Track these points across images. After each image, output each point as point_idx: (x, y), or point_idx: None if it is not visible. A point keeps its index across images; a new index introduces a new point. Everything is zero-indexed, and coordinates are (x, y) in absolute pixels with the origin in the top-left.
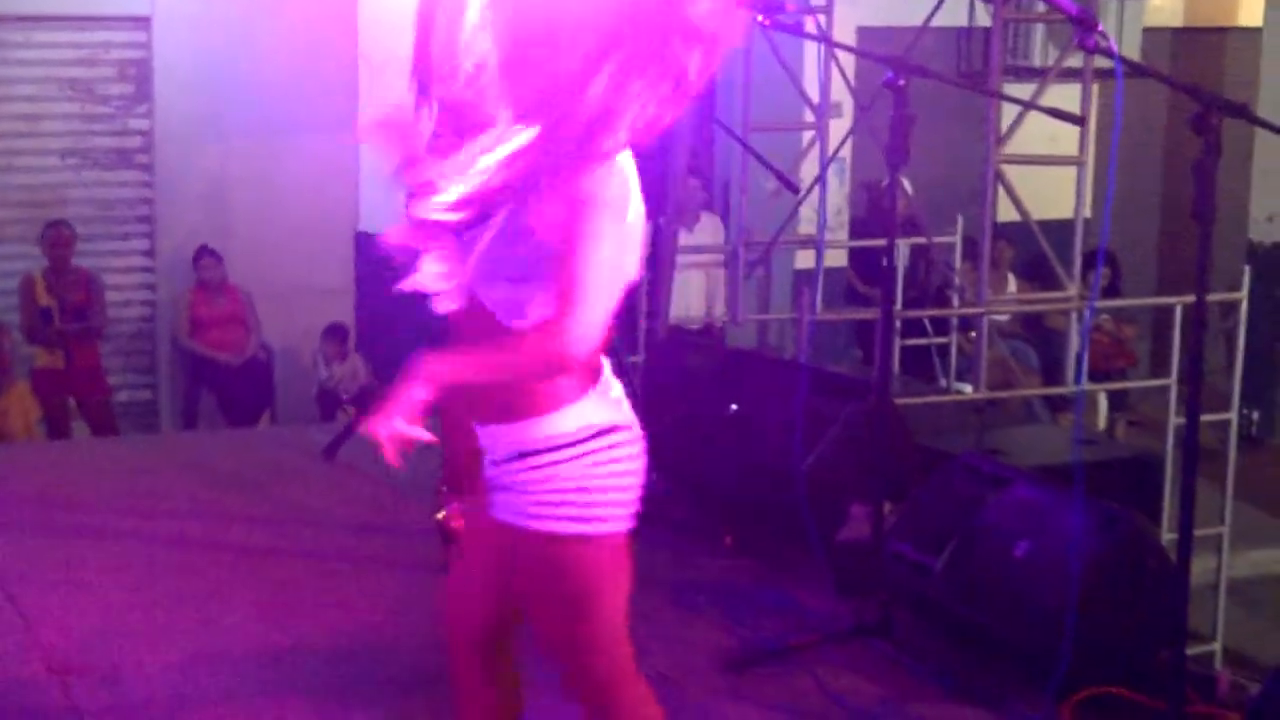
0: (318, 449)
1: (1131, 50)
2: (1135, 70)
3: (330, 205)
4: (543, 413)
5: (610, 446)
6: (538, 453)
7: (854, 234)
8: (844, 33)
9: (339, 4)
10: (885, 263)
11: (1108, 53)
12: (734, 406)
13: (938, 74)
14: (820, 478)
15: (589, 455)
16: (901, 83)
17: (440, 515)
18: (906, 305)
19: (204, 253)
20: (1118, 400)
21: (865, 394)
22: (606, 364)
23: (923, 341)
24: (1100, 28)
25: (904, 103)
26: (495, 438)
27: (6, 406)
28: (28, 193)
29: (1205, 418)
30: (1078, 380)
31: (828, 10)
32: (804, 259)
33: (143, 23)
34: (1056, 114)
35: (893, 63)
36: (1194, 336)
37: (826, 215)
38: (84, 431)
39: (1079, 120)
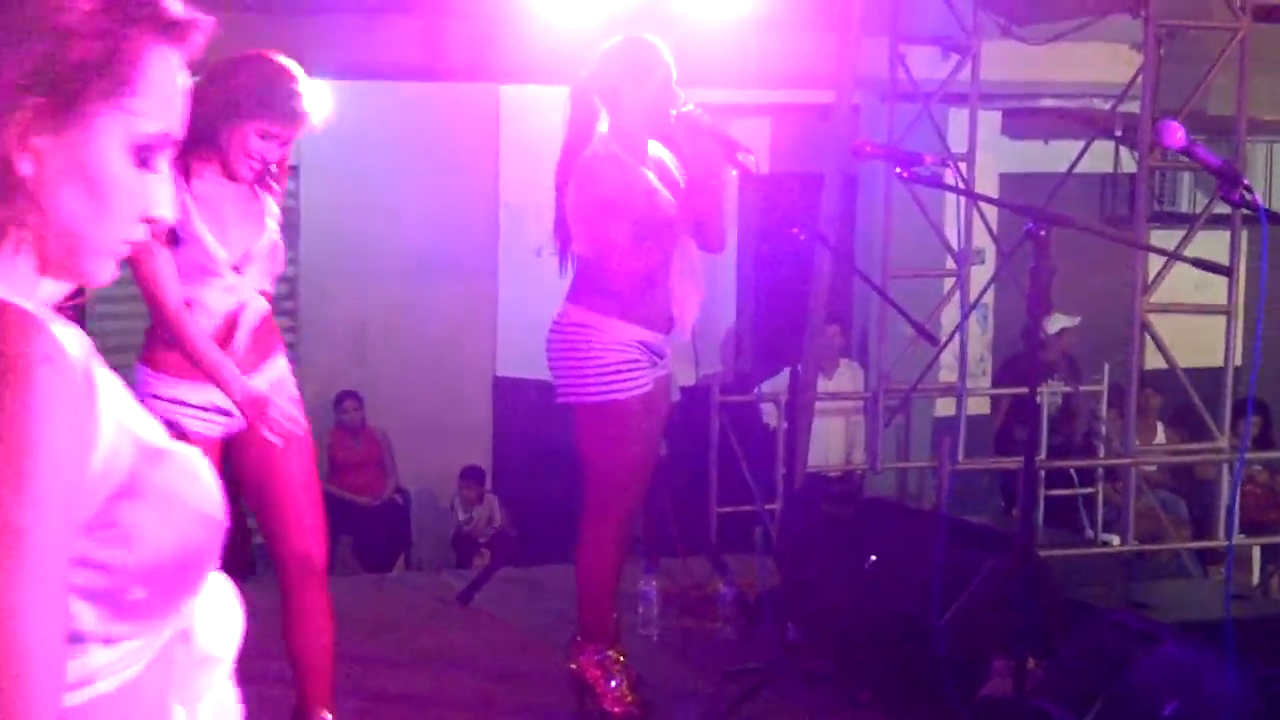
0: (453, 593)
1: None
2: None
3: (468, 348)
4: None
5: None
6: None
7: (1005, 375)
8: (986, 180)
9: (480, 151)
10: (1028, 411)
11: (1252, 206)
12: (873, 558)
13: (1079, 223)
14: (961, 632)
15: None
16: (1042, 233)
17: (574, 665)
18: (1052, 454)
19: (346, 396)
20: (1272, 554)
21: (1008, 546)
22: None
23: (1068, 492)
24: (1245, 181)
25: (1045, 253)
26: None
27: None
28: None
29: None
30: (1228, 534)
31: (969, 158)
32: (945, 406)
33: (291, 171)
34: (1202, 265)
35: (1032, 213)
36: None
37: (968, 362)
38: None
39: (1226, 271)
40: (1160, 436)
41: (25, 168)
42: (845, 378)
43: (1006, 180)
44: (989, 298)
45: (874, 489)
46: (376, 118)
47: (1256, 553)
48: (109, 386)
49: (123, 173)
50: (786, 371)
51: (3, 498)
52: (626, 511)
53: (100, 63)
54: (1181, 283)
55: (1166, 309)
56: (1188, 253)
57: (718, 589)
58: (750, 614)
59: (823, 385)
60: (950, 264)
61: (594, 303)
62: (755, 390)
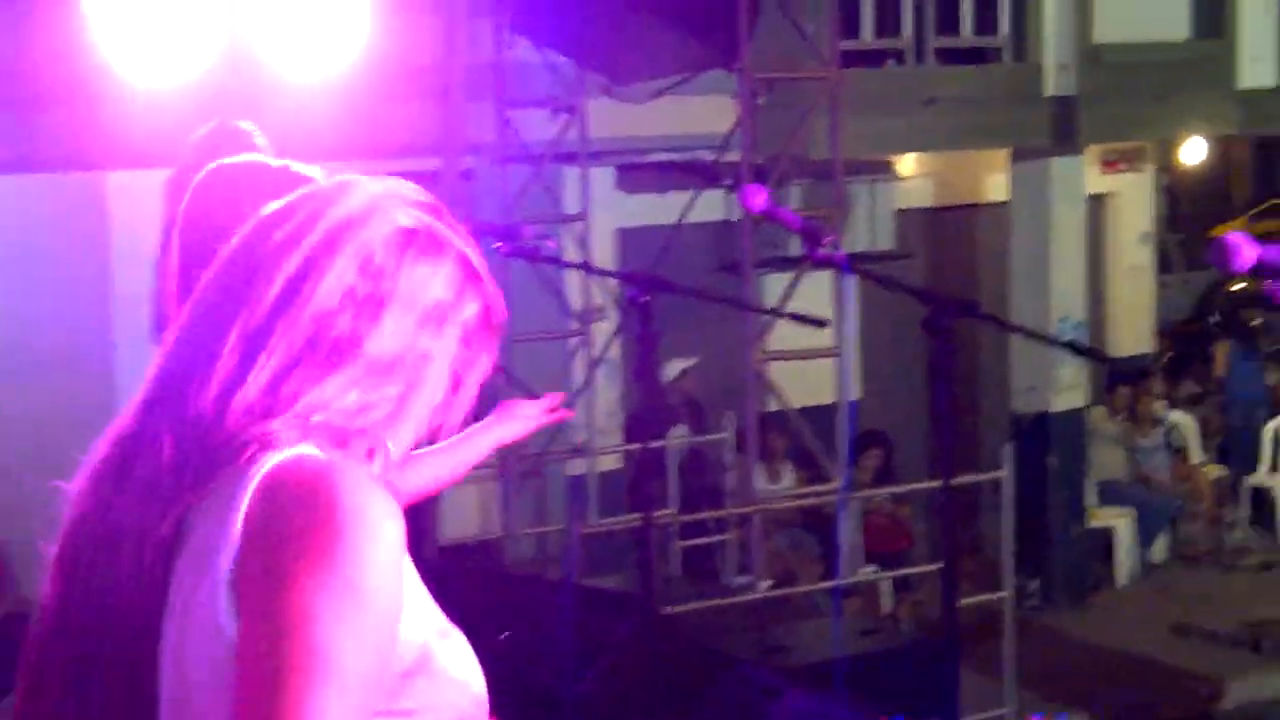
0: None
1: (885, 232)
2: (865, 275)
3: (82, 451)
4: None
5: None
6: None
7: (633, 430)
8: (604, 235)
9: (89, 241)
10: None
11: (836, 262)
12: (505, 634)
13: (682, 287)
14: (598, 700)
15: None
16: (645, 299)
17: None
18: (684, 502)
19: None
20: (901, 583)
21: (634, 609)
22: None
23: (701, 541)
24: (828, 239)
25: (649, 320)
26: None
27: None
28: None
29: (980, 597)
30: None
31: (583, 217)
32: (580, 464)
33: None
34: (800, 319)
35: (635, 279)
36: (943, 524)
37: (598, 418)
38: None
39: (821, 323)
40: (788, 477)
41: None
42: None
43: (624, 234)
44: (614, 351)
45: (514, 554)
46: None
47: (888, 585)
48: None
49: None
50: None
51: (335, 636)
52: None
53: None
54: (795, 328)
55: (779, 356)
56: (800, 291)
57: None
58: None
59: None
60: (573, 324)
61: None
62: None
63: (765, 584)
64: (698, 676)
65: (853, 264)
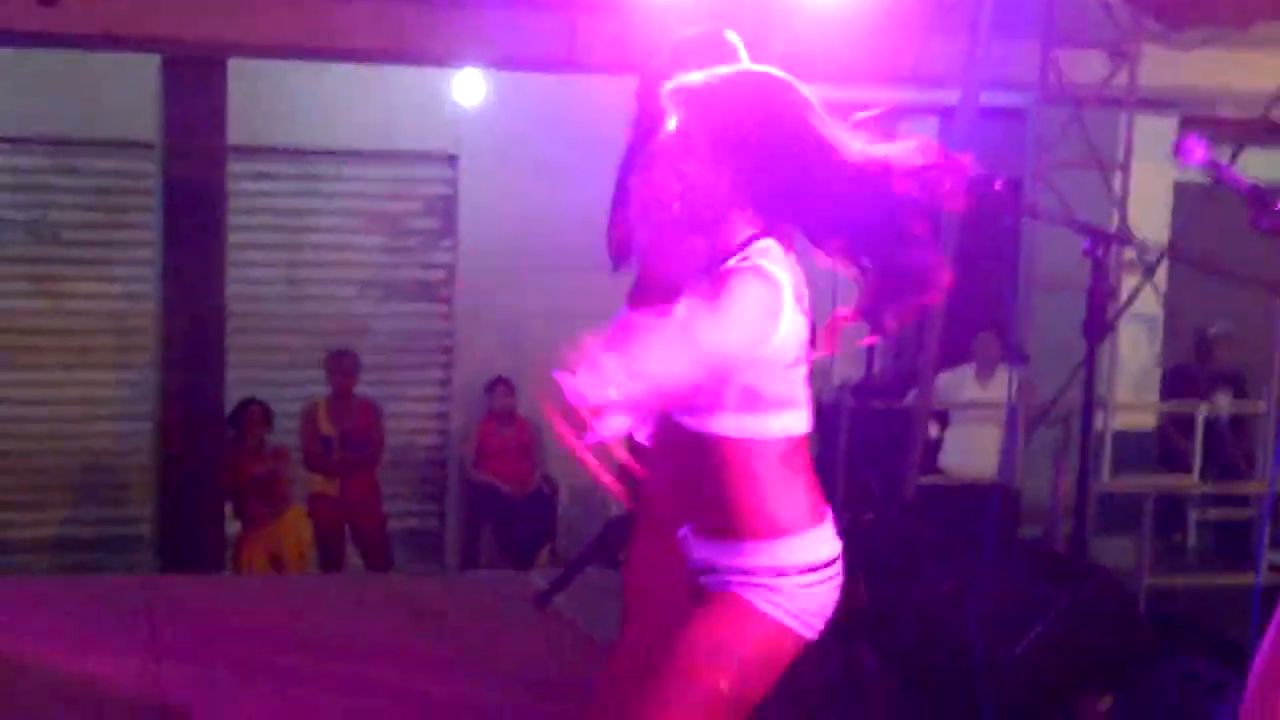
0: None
1: None
2: None
3: None
4: (766, 538)
5: (818, 582)
6: (749, 572)
7: (1168, 390)
8: (1158, 189)
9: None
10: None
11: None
12: (948, 585)
13: (1136, 242)
14: (1032, 667)
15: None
16: (1099, 253)
17: None
18: (1215, 473)
19: (499, 382)
20: None
21: (1087, 577)
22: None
23: (1233, 513)
24: (1277, 206)
25: (1102, 275)
26: (709, 551)
27: (281, 531)
28: (327, 321)
29: None
30: None
31: (1124, 167)
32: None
33: (450, 160)
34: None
35: (1092, 233)
36: None
37: (1124, 375)
38: (356, 558)
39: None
40: None
41: None
42: (1003, 385)
43: (1183, 190)
44: (1157, 308)
45: (1025, 506)
46: (534, 108)
47: None
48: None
49: None
50: (942, 376)
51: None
52: None
53: None
54: None
55: None
56: None
57: None
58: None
59: (980, 393)
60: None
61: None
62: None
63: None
64: (1142, 659)
65: None
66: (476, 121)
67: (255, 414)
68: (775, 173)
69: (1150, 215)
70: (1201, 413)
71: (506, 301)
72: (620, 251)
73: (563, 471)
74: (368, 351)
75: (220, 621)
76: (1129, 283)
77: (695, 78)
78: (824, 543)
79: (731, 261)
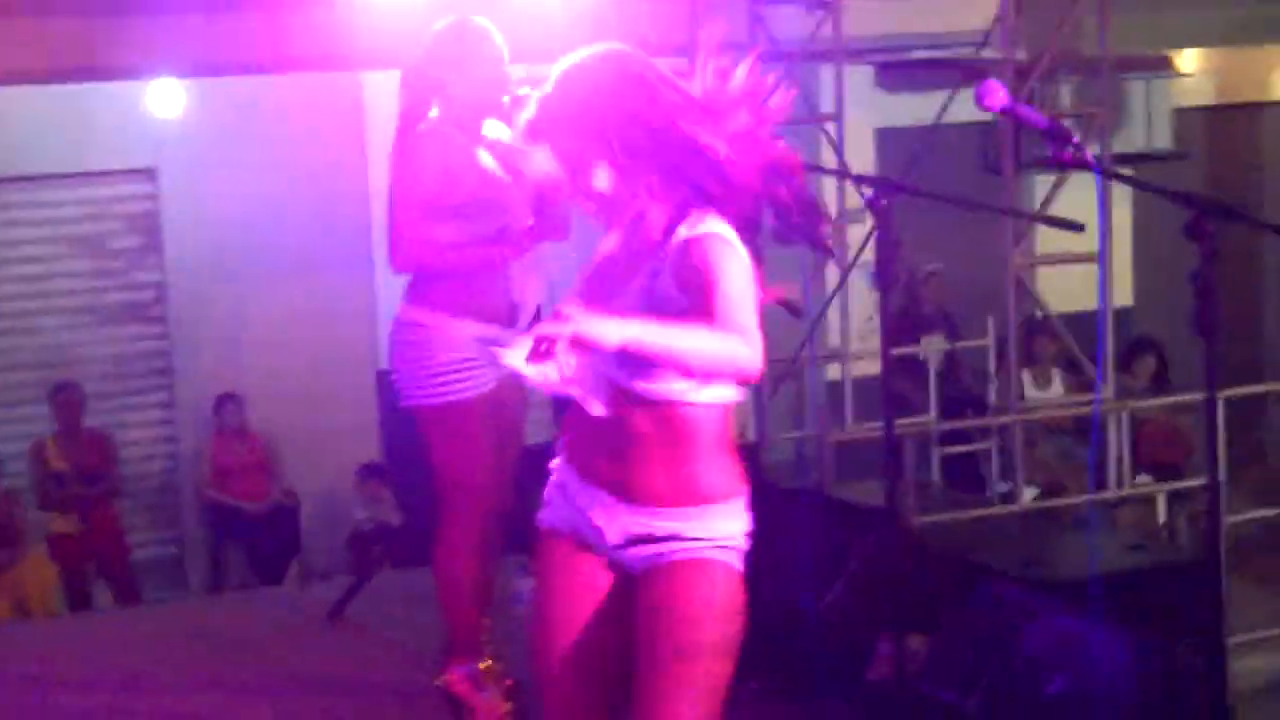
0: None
1: (1163, 132)
2: (1117, 178)
3: (349, 343)
4: (737, 498)
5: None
6: (695, 540)
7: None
8: (861, 136)
9: (347, 140)
10: (886, 390)
11: (1086, 164)
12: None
13: (925, 191)
14: (844, 615)
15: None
16: (884, 203)
17: (439, 681)
18: (945, 410)
19: (226, 400)
20: (1177, 496)
21: (882, 522)
22: None
23: (966, 448)
24: (1075, 139)
25: (888, 226)
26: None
27: (23, 576)
28: (39, 354)
29: (1260, 513)
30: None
31: (837, 117)
32: (836, 371)
33: (149, 174)
34: (1055, 222)
35: (875, 183)
36: (1208, 438)
37: (853, 324)
38: (105, 594)
39: (1078, 227)
40: (1057, 382)
41: None
42: None
43: (884, 134)
44: (869, 255)
45: (769, 461)
46: (235, 114)
47: (1162, 497)
48: None
49: None
50: None
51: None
52: (481, 514)
53: None
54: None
55: (1039, 261)
56: (1072, 193)
57: None
58: None
59: None
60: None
61: (425, 300)
62: None
63: (1030, 494)
64: (949, 592)
65: (1104, 166)
66: (174, 132)
67: None
68: (672, 147)
69: (858, 163)
70: (922, 355)
71: (222, 314)
72: (395, 243)
73: (302, 483)
74: (85, 380)
75: (16, 669)
76: (853, 232)
77: (564, 69)
78: None
79: (683, 231)
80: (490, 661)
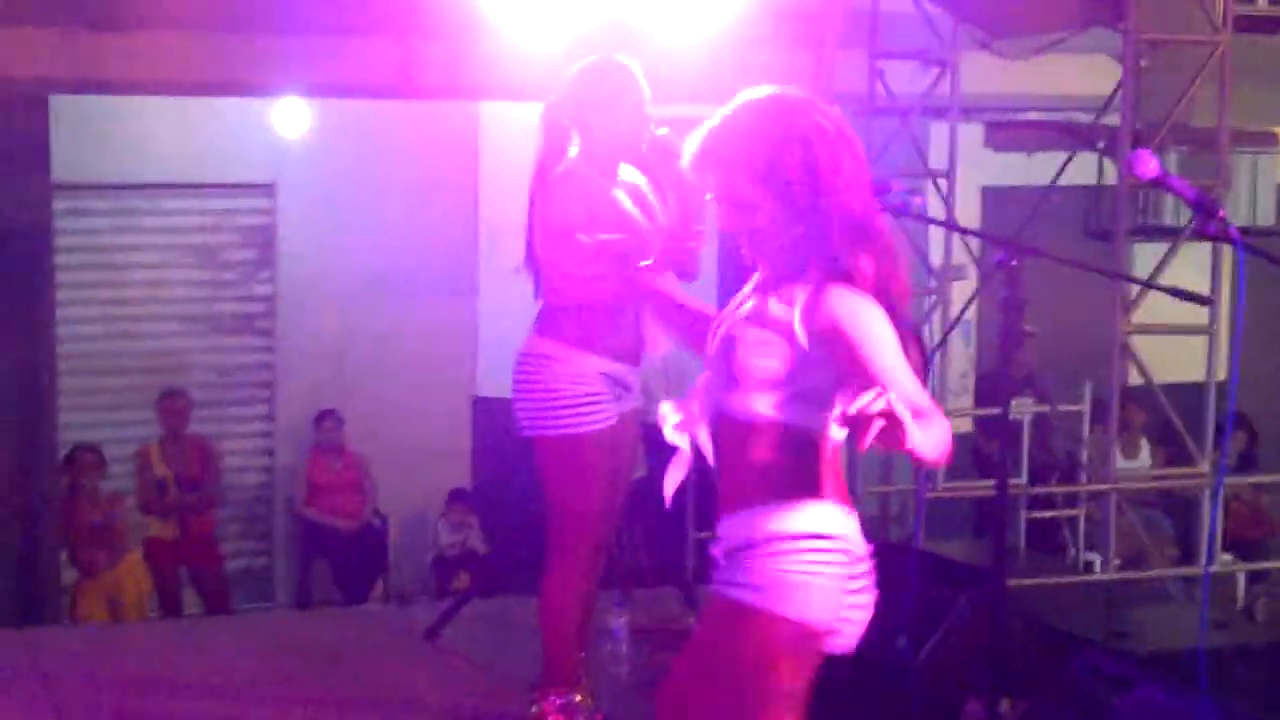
0: (423, 627)
1: (1267, 209)
2: (1255, 253)
3: (448, 368)
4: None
5: (830, 551)
6: (762, 543)
7: (980, 396)
8: (968, 194)
9: (460, 168)
10: (999, 451)
11: (1229, 238)
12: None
13: (1049, 253)
14: (934, 671)
15: (805, 553)
16: (1013, 263)
17: (535, 710)
18: (1033, 473)
19: (326, 415)
20: (1257, 574)
21: (981, 580)
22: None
23: (1051, 514)
24: (1221, 213)
25: (1016, 284)
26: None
27: (120, 578)
28: (150, 359)
29: None
30: (1208, 560)
31: (949, 174)
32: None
33: (267, 189)
34: (1181, 294)
35: (1004, 244)
36: None
37: (948, 380)
38: (195, 601)
39: (1206, 300)
40: (1144, 453)
41: None
42: None
43: (989, 193)
44: (971, 314)
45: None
46: (354, 136)
47: (1241, 576)
48: None
49: None
50: None
51: (895, 364)
52: (591, 547)
53: None
54: (1163, 296)
55: (1147, 329)
56: (1173, 263)
57: (690, 622)
58: None
59: None
60: (931, 281)
61: (557, 333)
62: None
63: (1115, 564)
64: (1042, 656)
65: (1245, 240)
66: (295, 150)
67: (87, 460)
68: (830, 212)
69: (965, 220)
70: (1016, 416)
71: (328, 332)
72: (535, 279)
73: (392, 504)
74: (190, 388)
75: (113, 672)
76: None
77: (740, 102)
78: None
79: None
80: (586, 693)
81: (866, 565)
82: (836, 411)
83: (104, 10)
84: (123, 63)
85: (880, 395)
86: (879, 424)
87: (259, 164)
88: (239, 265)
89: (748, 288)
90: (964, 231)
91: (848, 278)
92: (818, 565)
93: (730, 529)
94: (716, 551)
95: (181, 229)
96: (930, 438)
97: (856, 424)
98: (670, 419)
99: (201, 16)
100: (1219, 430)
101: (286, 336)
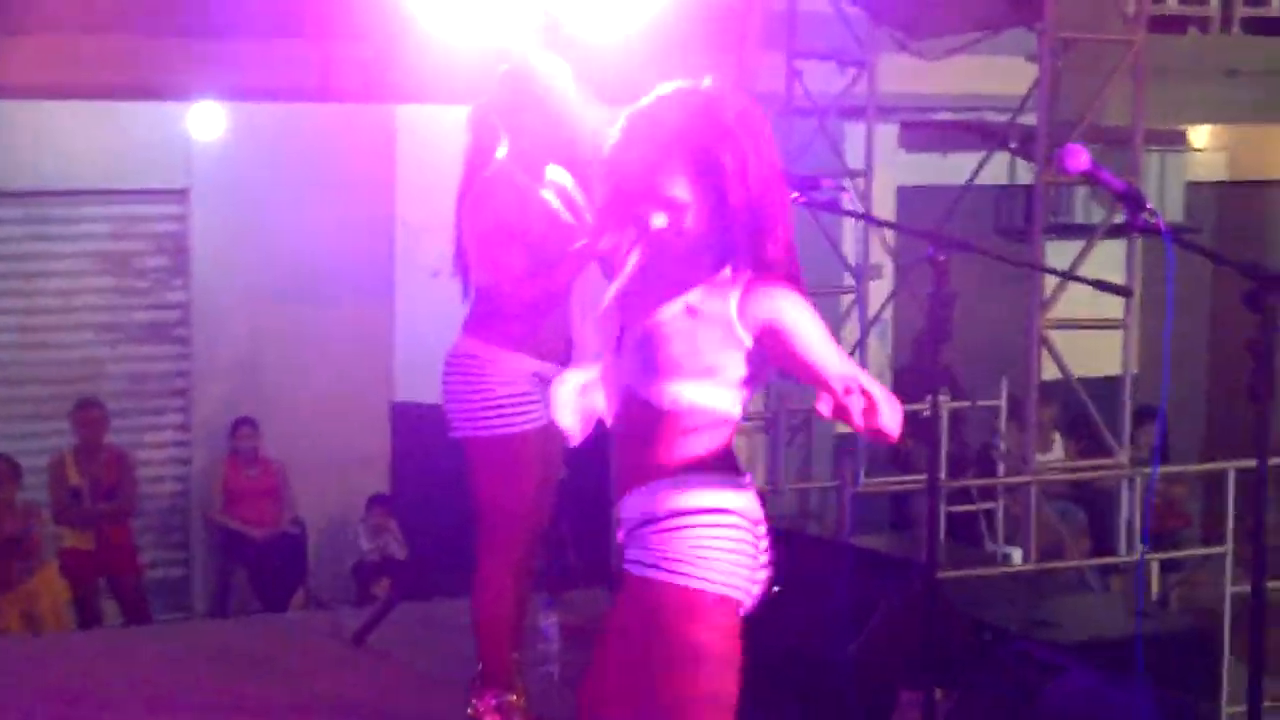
0: (349, 632)
1: (1175, 206)
2: (1185, 246)
3: (366, 373)
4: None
5: (731, 527)
6: (665, 517)
7: (898, 393)
8: (884, 194)
9: (376, 170)
10: (916, 446)
11: (1157, 231)
12: (776, 589)
13: (979, 247)
14: (867, 664)
15: (710, 528)
16: (941, 258)
17: (470, 710)
18: (948, 468)
19: (242, 423)
20: (1171, 565)
21: (910, 573)
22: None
23: (969, 508)
24: (1149, 205)
25: (944, 279)
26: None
27: (36, 589)
28: (63, 368)
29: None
30: (1132, 549)
31: (866, 174)
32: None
33: (180, 195)
34: (1102, 286)
35: (932, 238)
36: (1255, 514)
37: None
38: (115, 611)
39: (1126, 292)
40: (1057, 447)
41: None
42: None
43: (904, 193)
44: (888, 313)
45: (775, 510)
46: (268, 140)
47: (1156, 566)
48: None
49: None
50: None
51: (831, 349)
52: (522, 548)
53: None
54: (1077, 293)
55: (1064, 324)
56: (1087, 261)
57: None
58: None
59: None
60: (849, 280)
61: (486, 333)
62: None
63: (1034, 556)
64: (973, 646)
65: (1175, 233)
66: (208, 154)
67: (2, 470)
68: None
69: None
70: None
71: (243, 339)
72: (464, 281)
73: (310, 511)
74: (104, 397)
75: (40, 682)
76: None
77: (663, 91)
78: None
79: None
80: (519, 692)
81: (764, 533)
82: (827, 402)
83: (4, 14)
84: (23, 67)
85: (855, 381)
86: (860, 404)
87: (172, 169)
88: (152, 272)
89: (639, 282)
90: (894, 227)
91: (770, 270)
92: (721, 539)
93: (631, 506)
94: (620, 533)
95: (93, 236)
96: (894, 413)
97: (844, 410)
98: (566, 405)
99: (114, 19)
100: (1136, 421)
101: (201, 344)
